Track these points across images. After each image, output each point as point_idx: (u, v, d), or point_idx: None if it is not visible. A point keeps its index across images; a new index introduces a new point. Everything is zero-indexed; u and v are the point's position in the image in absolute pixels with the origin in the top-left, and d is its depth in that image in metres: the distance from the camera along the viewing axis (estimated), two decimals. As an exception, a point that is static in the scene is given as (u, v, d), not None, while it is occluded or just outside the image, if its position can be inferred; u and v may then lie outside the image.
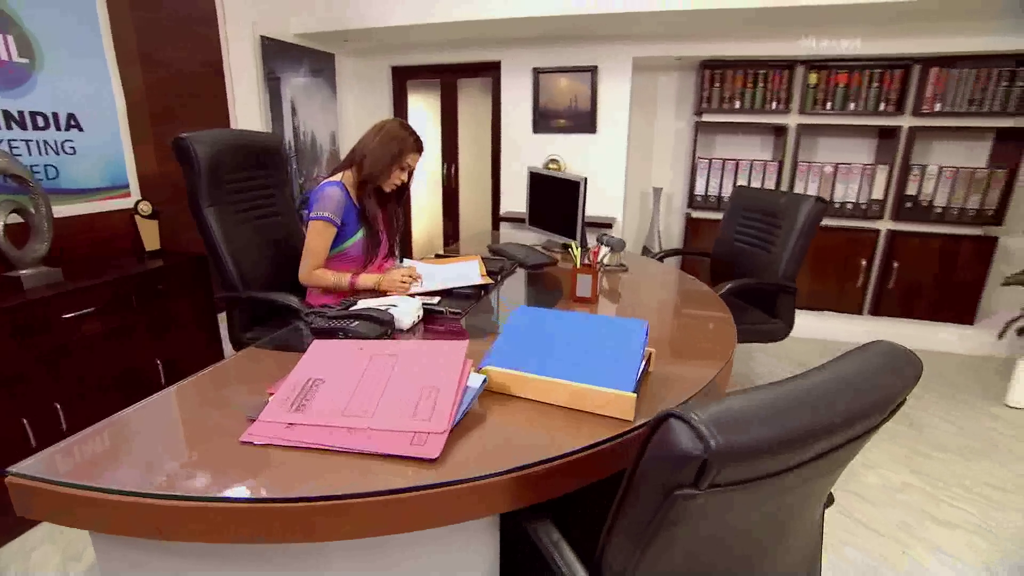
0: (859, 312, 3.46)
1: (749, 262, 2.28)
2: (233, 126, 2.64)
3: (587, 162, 3.65)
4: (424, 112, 4.13)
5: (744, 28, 3.10)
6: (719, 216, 3.59)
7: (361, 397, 0.92)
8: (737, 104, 3.41)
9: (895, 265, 3.33)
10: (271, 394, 0.99)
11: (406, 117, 3.95)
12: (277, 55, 3.06)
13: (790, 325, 2.12)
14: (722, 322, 1.49)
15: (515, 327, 1.20)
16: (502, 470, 0.78)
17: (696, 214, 3.70)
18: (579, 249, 1.65)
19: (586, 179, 2.25)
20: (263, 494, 0.72)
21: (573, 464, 0.83)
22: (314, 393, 0.94)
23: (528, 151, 3.72)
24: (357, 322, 1.27)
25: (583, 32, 3.30)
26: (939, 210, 3.23)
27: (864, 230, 3.34)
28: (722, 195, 3.60)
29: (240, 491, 0.73)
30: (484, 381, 0.98)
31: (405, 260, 1.93)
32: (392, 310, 1.36)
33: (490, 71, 3.68)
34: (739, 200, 2.46)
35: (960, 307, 3.35)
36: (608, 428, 0.91)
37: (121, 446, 0.84)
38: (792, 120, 3.36)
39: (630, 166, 3.72)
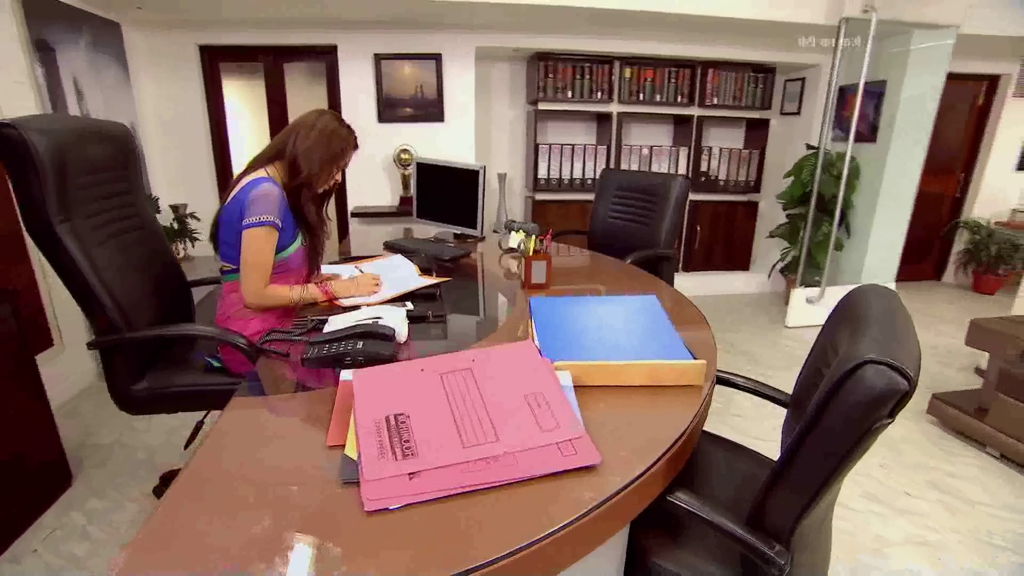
0: (677, 270, 4.19)
1: (627, 236, 2.57)
2: (-2, 111, 1.86)
3: (438, 151, 3.59)
4: (243, 101, 3.51)
5: (573, 24, 3.39)
6: (562, 197, 3.95)
7: (468, 423, 0.82)
8: (569, 94, 3.74)
9: (698, 228, 4.12)
10: (335, 447, 0.80)
11: (221, 105, 3.31)
12: (47, 17, 2.23)
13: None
14: (664, 288, 1.68)
15: (544, 319, 1.18)
16: (659, 455, 0.79)
17: (540, 196, 3.96)
18: (531, 238, 1.66)
19: (484, 167, 2.25)
20: (485, 555, 0.60)
21: (693, 432, 0.89)
22: (408, 432, 0.80)
23: (375, 142, 3.49)
24: (362, 343, 1.09)
25: (425, 18, 3.21)
26: (722, 182, 4.09)
27: (676, 202, 4.03)
28: (562, 177, 3.93)
29: (454, 564, 0.59)
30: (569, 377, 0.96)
31: (323, 267, 1.68)
32: (381, 322, 1.20)
33: (325, 56, 3.31)
34: (608, 181, 2.73)
35: (739, 258, 4.32)
36: (687, 395, 0.98)
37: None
38: (614, 108, 3.84)
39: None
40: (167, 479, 1.75)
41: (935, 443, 2.27)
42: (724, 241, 4.21)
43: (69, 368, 2.40)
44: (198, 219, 3.03)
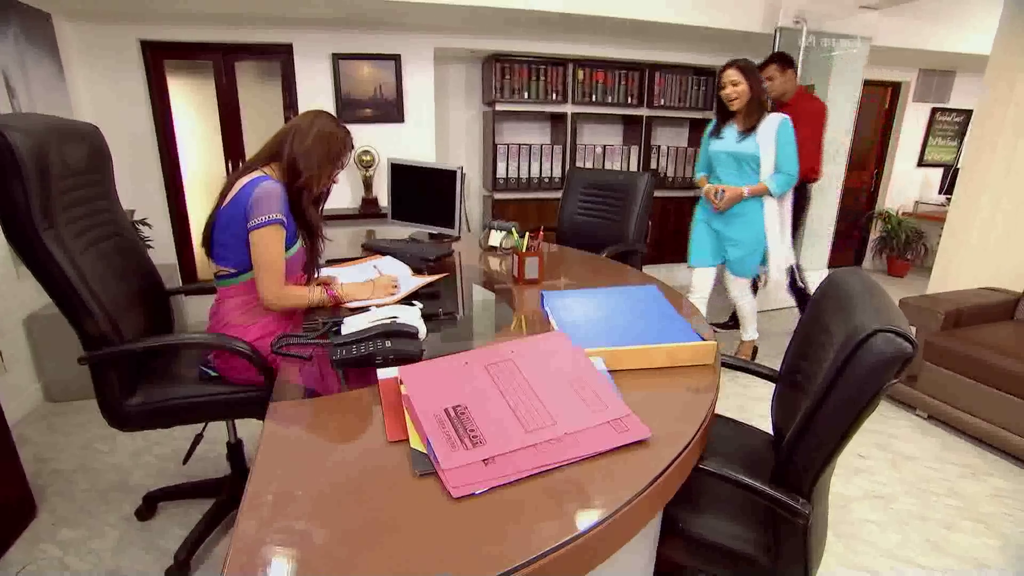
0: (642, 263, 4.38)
1: (595, 232, 2.69)
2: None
3: (399, 152, 3.55)
4: (191, 101, 3.30)
5: (527, 27, 3.47)
6: (520, 196, 4.02)
7: (525, 409, 0.86)
8: (525, 95, 3.82)
9: (650, 224, 4.32)
10: (398, 442, 0.83)
11: (167, 105, 3.10)
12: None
13: (640, 278, 2.61)
14: (650, 280, 1.79)
15: (560, 311, 1.24)
16: (698, 427, 0.87)
17: (499, 196, 4.02)
18: (525, 236, 1.72)
19: (462, 168, 2.28)
20: (583, 523, 0.66)
21: (713, 404, 0.98)
22: (470, 422, 0.83)
23: (333, 142, 3.40)
24: (390, 342, 1.10)
25: (383, 18, 3.17)
26: (670, 179, 4.31)
27: (629, 199, 4.21)
28: (520, 177, 4.00)
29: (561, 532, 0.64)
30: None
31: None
32: (398, 321, 1.22)
33: (279, 54, 3.20)
34: (575, 180, 2.83)
35: (686, 250, 4.56)
36: (701, 373, 1.07)
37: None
38: (568, 109, 3.95)
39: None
40: (151, 499, 1.66)
41: (876, 408, 2.54)
42: (672, 235, 4.45)
43: (11, 391, 2.19)
44: (149, 225, 2.83)
